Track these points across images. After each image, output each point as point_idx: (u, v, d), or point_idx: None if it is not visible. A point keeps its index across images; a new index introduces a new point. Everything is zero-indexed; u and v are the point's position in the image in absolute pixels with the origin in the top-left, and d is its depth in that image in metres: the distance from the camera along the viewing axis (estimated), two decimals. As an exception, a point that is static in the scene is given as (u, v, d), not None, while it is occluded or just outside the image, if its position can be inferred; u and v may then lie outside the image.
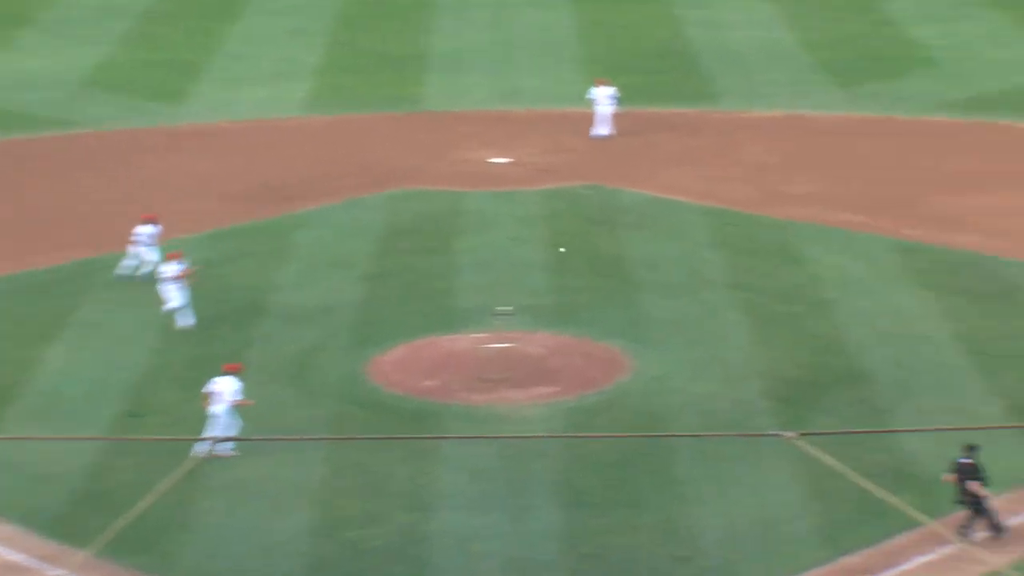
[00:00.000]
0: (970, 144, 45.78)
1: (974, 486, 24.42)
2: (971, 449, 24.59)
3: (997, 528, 24.56)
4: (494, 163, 45.01)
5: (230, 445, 27.60)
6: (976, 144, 45.76)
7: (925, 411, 28.47)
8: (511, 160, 45.25)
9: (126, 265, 35.74)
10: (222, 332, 32.66)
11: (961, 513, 24.66)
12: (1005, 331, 32.06)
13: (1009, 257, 36.20)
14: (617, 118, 46.83)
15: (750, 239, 38.31)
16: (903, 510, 22.70)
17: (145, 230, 35.96)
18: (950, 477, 24.77)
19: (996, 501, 24.89)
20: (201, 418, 28.02)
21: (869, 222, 39.04)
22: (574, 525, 25.40)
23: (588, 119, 46.81)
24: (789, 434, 19.49)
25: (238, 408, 28.02)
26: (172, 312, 32.97)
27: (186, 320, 32.94)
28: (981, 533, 24.49)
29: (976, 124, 47.67)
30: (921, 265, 36.06)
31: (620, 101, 47.00)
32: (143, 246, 35.77)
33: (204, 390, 28.09)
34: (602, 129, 46.86)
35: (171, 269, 33.42)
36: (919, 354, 31.07)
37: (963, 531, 24.57)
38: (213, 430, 27.64)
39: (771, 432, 26.08)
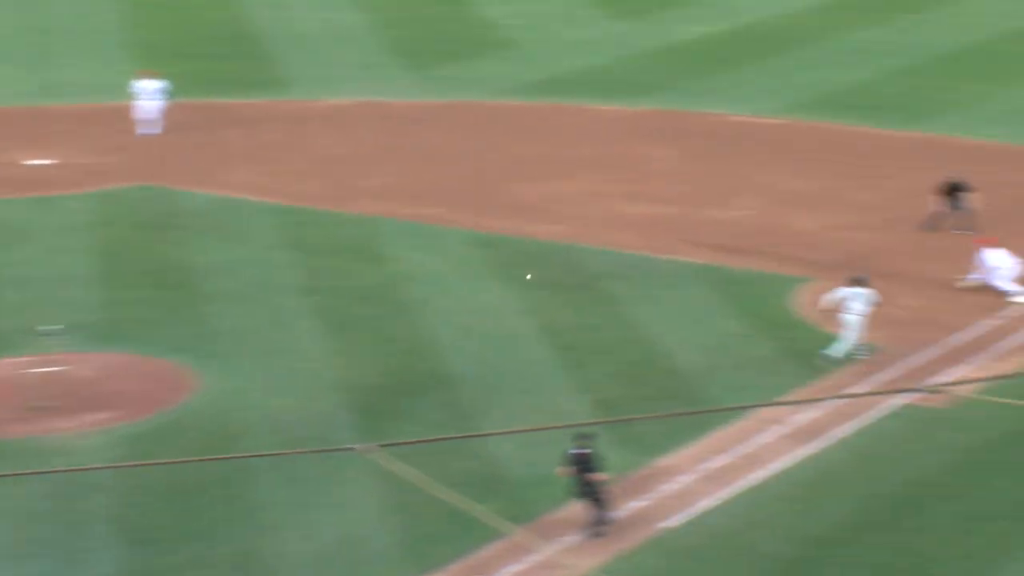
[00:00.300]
0: (548, 128, 47.46)
1: (595, 476, 25.28)
2: (586, 438, 25.45)
3: (599, 528, 25.53)
4: (33, 165, 43.58)
5: None
6: (554, 128, 47.48)
7: (513, 412, 29.31)
8: (53, 161, 43.93)
9: None
10: None
11: (579, 507, 25.48)
12: (589, 323, 33.43)
13: (590, 245, 37.75)
14: (171, 111, 46.17)
15: (325, 238, 38.55)
16: (489, 520, 23.33)
17: None
18: (565, 470, 25.57)
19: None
20: None
21: (449, 215, 39.95)
22: (140, 565, 24.91)
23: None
24: (366, 447, 19.71)
25: None
26: None
27: None
28: (603, 523, 25.47)
29: (554, 107, 49.50)
30: (503, 258, 37.15)
31: (172, 93, 46.37)
32: None
33: None
34: (149, 126, 46.10)
35: None
36: (505, 352, 32.00)
37: (594, 528, 25.43)
38: None
39: (347, 446, 26.30)
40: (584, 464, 25.37)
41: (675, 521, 26.01)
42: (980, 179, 38.42)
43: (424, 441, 27.17)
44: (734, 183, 42.16)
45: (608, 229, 38.76)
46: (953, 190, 37.98)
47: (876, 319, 31.90)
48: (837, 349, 30.93)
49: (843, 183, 41.96)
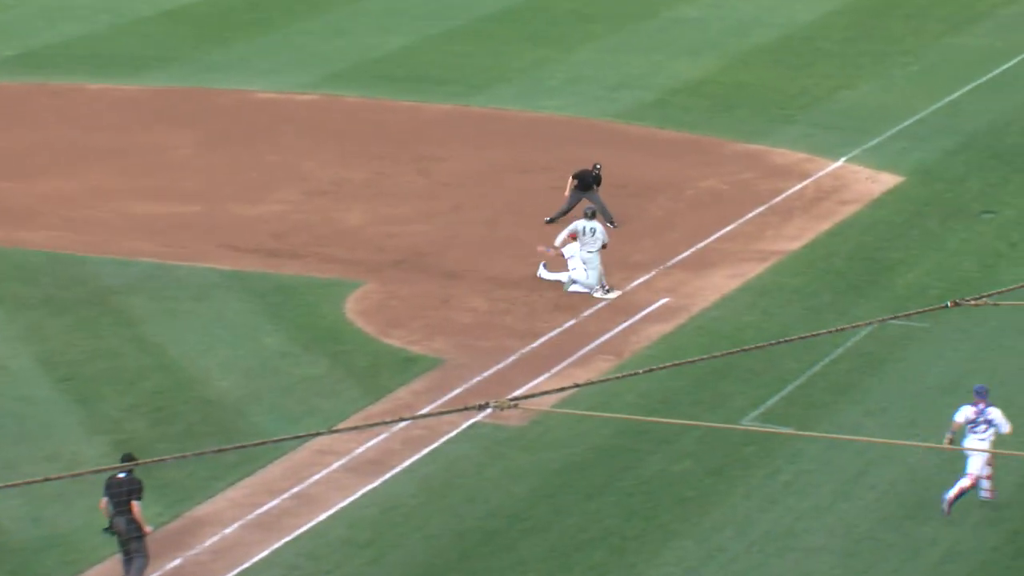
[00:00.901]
0: (30, 113, 46.81)
1: (136, 508, 25.10)
2: (127, 457, 25.37)
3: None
4: None
5: None
6: (37, 113, 46.76)
7: (10, 462, 28.72)
8: None
9: None
10: None
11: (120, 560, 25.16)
12: (100, 348, 33.02)
13: (93, 254, 37.27)
14: None
15: None
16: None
17: None
18: (104, 501, 25.37)
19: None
20: None
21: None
22: None
23: None
24: None
25: None
26: None
27: None
28: None
29: (33, 88, 48.68)
30: (-15, 275, 36.34)
31: None
32: None
33: None
34: None
35: None
36: (-4, 390, 31.31)
37: None
38: None
39: None
40: (125, 491, 25.16)
41: (220, 581, 26.00)
42: (548, 157, 39.79)
43: None
44: (267, 173, 42.41)
45: (117, 234, 38.41)
46: (591, 180, 38.23)
47: (443, 325, 32.65)
48: (588, 286, 34.78)
49: (393, 168, 42.73)
